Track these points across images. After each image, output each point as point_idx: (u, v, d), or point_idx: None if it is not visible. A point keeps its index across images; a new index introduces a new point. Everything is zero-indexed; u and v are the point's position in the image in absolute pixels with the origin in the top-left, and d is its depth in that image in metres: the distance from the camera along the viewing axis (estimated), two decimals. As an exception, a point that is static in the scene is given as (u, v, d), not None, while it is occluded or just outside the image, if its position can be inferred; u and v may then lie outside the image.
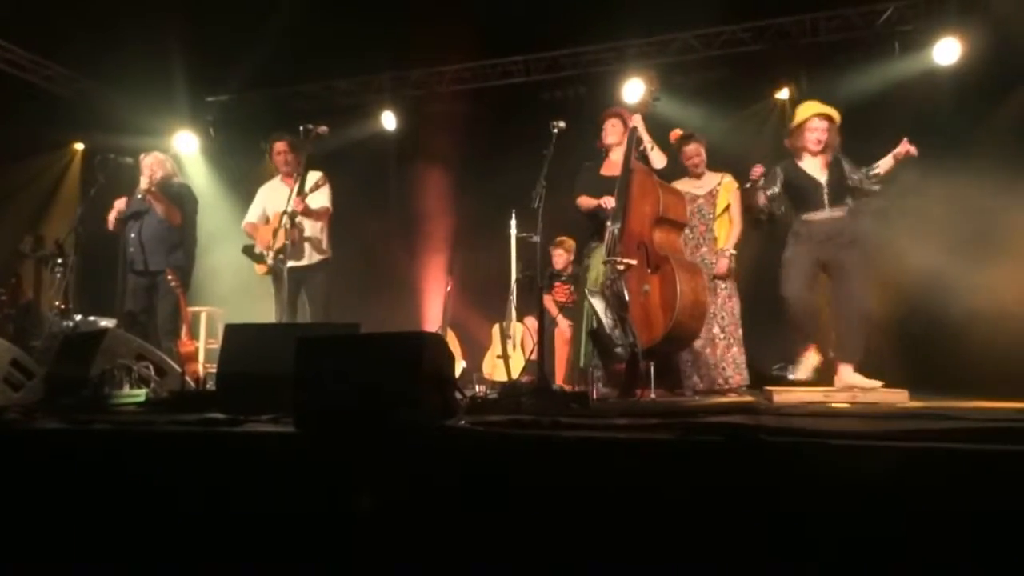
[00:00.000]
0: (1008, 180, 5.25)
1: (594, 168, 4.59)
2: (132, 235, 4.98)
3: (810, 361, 4.16)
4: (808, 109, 4.27)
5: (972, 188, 5.01)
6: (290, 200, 4.57)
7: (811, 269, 4.17)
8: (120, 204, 5.01)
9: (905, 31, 5.96)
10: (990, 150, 5.41)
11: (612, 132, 4.56)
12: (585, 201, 4.50)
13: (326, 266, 4.97)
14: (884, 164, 4.15)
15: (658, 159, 4.40)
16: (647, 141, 4.39)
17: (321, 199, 4.85)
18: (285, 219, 4.52)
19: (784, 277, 4.20)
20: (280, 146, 5.00)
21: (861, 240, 4.16)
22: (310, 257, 4.87)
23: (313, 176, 4.84)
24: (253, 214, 5.06)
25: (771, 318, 5.27)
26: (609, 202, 4.26)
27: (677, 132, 4.87)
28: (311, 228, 4.87)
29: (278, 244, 4.55)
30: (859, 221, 4.23)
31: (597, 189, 4.43)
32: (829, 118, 4.21)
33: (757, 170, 4.28)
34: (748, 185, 4.38)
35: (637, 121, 4.37)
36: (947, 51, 5.74)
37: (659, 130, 4.68)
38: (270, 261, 4.51)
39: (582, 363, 4.48)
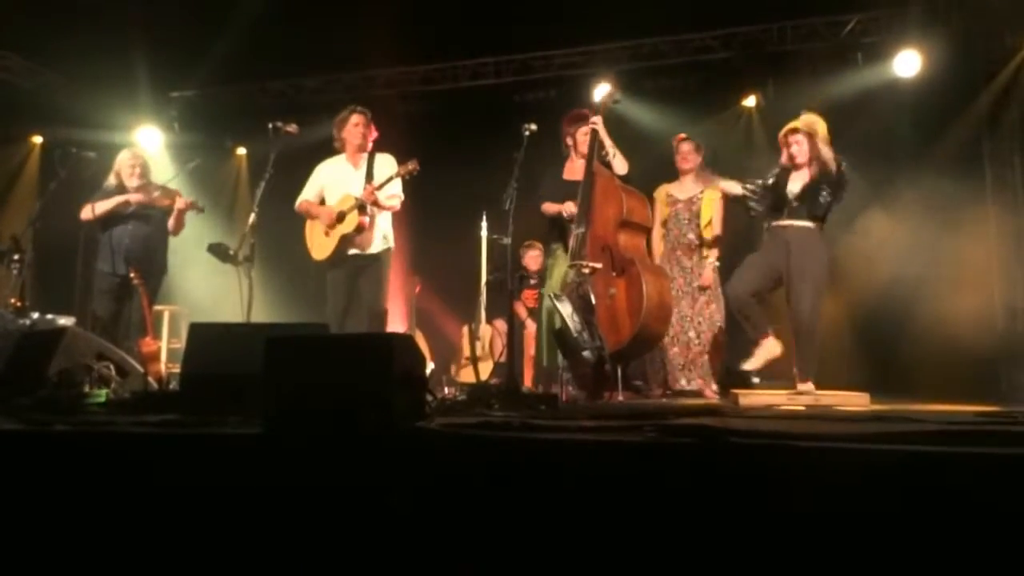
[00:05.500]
0: (965, 189, 5.41)
1: (556, 173, 4.58)
2: (124, 241, 4.82)
3: (765, 351, 4.04)
4: (790, 122, 4.14)
5: (931, 196, 5.15)
6: (363, 185, 4.40)
7: (767, 272, 4.08)
8: (106, 203, 4.79)
9: (868, 43, 6.09)
10: (948, 160, 5.56)
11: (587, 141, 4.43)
12: (548, 207, 4.49)
13: (388, 256, 4.64)
14: None
15: (620, 165, 4.37)
16: (609, 147, 4.36)
17: (394, 188, 4.51)
18: (353, 207, 4.33)
19: (735, 275, 4.13)
20: (358, 118, 4.58)
21: (818, 253, 4.03)
22: (375, 246, 4.51)
23: (385, 160, 4.56)
24: (310, 191, 4.67)
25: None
26: (570, 208, 4.26)
27: (682, 135, 4.90)
28: (381, 216, 4.56)
29: (346, 230, 4.37)
30: (822, 235, 4.11)
31: (560, 194, 4.42)
32: (802, 132, 4.05)
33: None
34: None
35: (598, 124, 4.32)
36: (908, 63, 5.87)
37: (626, 132, 4.70)
38: (240, 260, 4.41)
39: (545, 362, 4.49)
